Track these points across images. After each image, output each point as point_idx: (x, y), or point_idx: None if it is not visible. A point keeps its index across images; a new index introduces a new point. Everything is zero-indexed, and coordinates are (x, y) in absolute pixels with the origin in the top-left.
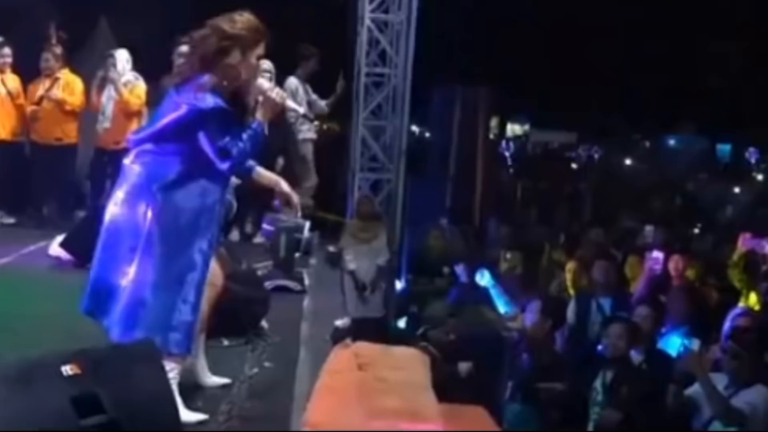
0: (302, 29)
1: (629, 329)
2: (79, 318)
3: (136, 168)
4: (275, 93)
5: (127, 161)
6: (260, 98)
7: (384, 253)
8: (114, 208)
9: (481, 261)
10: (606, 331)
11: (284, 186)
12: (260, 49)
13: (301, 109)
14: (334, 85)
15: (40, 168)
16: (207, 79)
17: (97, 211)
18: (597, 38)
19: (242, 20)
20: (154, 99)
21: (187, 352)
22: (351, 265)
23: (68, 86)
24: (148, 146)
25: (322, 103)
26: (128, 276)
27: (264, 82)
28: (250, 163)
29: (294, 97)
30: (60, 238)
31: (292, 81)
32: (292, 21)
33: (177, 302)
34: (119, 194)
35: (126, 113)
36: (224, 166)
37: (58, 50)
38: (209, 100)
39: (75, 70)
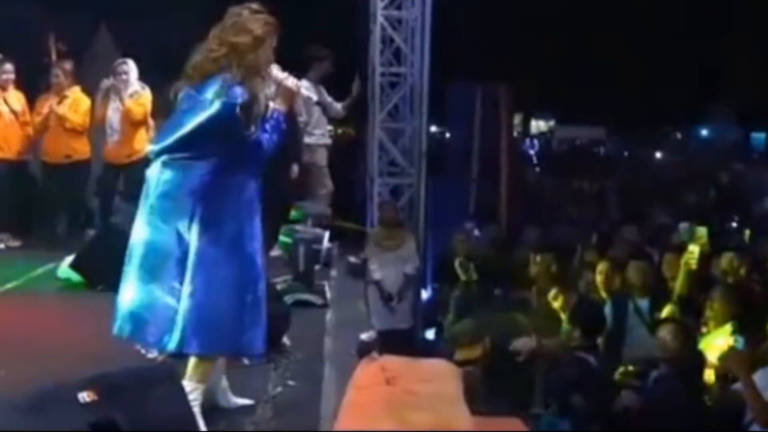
0: (310, 29)
1: (681, 329)
2: (93, 341)
3: (167, 177)
4: (290, 81)
5: (152, 172)
6: (272, 88)
7: (412, 260)
8: (145, 226)
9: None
10: (656, 332)
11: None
12: (274, 41)
13: (315, 97)
14: (349, 87)
15: (51, 188)
16: (233, 74)
17: (108, 229)
18: (621, 29)
19: (263, 16)
20: (160, 106)
21: (264, 352)
22: (376, 275)
23: (74, 104)
24: (177, 153)
25: (338, 106)
26: (183, 291)
27: (278, 71)
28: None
29: (307, 102)
30: (69, 259)
31: (303, 84)
32: (299, 20)
33: (245, 303)
34: (148, 209)
35: (131, 124)
36: (258, 156)
37: (68, 66)
38: (241, 93)
39: (85, 89)
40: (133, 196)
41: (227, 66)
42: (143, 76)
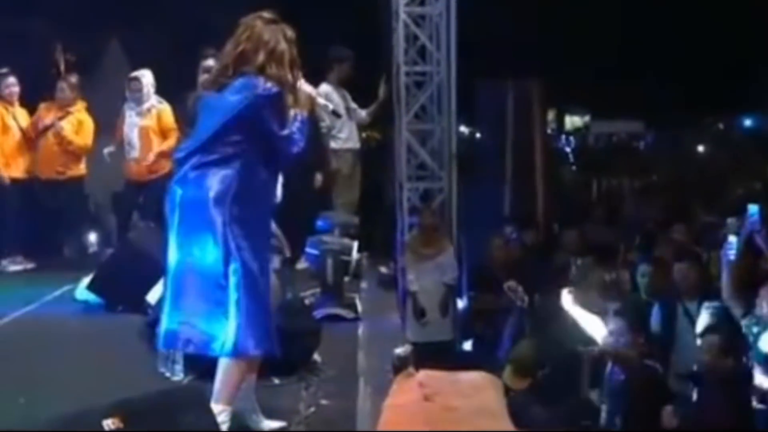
0: (331, 30)
1: (727, 340)
2: (116, 365)
3: (195, 183)
4: (307, 87)
5: (178, 180)
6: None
7: (452, 269)
8: (177, 236)
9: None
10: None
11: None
12: (294, 49)
13: (330, 105)
14: (375, 91)
15: (48, 205)
16: (261, 78)
17: (125, 247)
18: (655, 15)
19: (278, 26)
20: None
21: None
22: (413, 287)
23: (78, 125)
24: (204, 156)
25: (362, 114)
26: (229, 297)
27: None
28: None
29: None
30: (86, 280)
31: (324, 88)
32: (319, 21)
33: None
34: (177, 218)
35: (149, 139)
36: (287, 154)
37: (74, 79)
38: (270, 87)
39: (90, 106)
40: (152, 213)
41: (258, 72)
42: (158, 89)
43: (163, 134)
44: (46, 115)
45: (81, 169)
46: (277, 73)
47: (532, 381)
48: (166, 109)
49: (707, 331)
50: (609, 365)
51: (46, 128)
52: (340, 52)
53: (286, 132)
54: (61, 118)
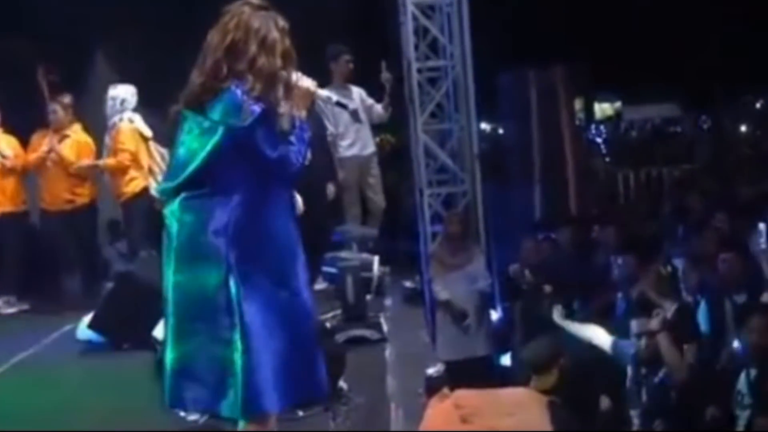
0: (331, 29)
1: None
2: (126, 407)
3: (189, 219)
4: (305, 81)
5: (172, 213)
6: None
7: (484, 276)
8: (175, 275)
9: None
10: (746, 324)
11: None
12: (287, 40)
13: (334, 97)
14: (381, 83)
15: (53, 239)
16: (245, 86)
17: (125, 280)
18: None
19: (268, 13)
20: (164, 131)
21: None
22: (443, 295)
23: (78, 146)
24: (194, 189)
25: (378, 108)
26: (234, 348)
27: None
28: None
29: (326, 113)
30: (87, 318)
31: (324, 92)
32: (318, 20)
33: (302, 344)
34: (174, 255)
35: (113, 158)
36: (288, 174)
37: (67, 99)
38: (254, 109)
39: (85, 126)
40: (147, 237)
41: (236, 77)
42: (144, 102)
43: (126, 150)
44: (41, 143)
45: (91, 194)
46: (268, 66)
47: (557, 377)
48: (123, 127)
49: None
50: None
51: (46, 154)
52: (333, 50)
53: (277, 153)
54: (59, 142)
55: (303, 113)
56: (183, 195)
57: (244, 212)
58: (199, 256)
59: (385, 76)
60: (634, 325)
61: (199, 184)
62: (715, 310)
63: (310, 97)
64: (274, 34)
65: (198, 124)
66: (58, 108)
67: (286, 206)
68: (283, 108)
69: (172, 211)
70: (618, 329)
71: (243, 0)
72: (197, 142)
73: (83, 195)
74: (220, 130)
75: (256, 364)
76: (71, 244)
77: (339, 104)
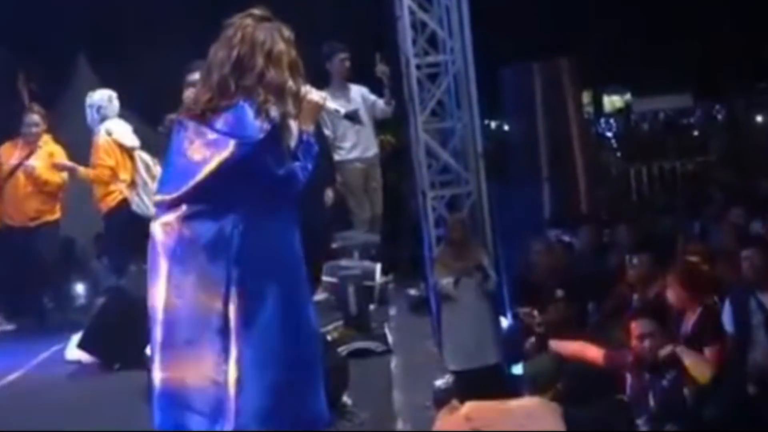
0: (326, 24)
1: None
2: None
3: (189, 234)
4: (314, 94)
5: (167, 227)
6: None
7: (490, 281)
8: (170, 293)
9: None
10: None
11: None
12: (293, 52)
13: (342, 110)
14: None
15: (19, 256)
16: (252, 100)
17: (116, 297)
18: None
19: (273, 24)
20: (152, 141)
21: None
22: (449, 301)
23: (50, 159)
24: (195, 204)
25: (381, 104)
26: (230, 371)
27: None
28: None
29: (323, 116)
30: (76, 337)
31: (324, 94)
32: (311, 16)
33: (305, 368)
34: (167, 272)
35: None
36: (295, 191)
37: (40, 109)
38: (262, 126)
39: (55, 130)
40: (132, 250)
41: (244, 92)
42: (129, 108)
43: (104, 161)
44: (11, 154)
45: (56, 211)
46: (276, 80)
47: (553, 393)
48: (101, 137)
49: None
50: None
51: (13, 170)
52: (327, 49)
53: (284, 171)
54: (28, 156)
55: (311, 127)
56: (183, 208)
57: (246, 231)
58: (198, 276)
59: (381, 68)
60: (635, 326)
61: (201, 198)
62: (740, 309)
63: (319, 110)
64: (281, 46)
65: (200, 134)
66: (36, 118)
67: (291, 223)
68: (292, 122)
69: (166, 222)
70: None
71: (245, 12)
72: (199, 154)
73: (50, 212)
74: (231, 144)
75: (252, 392)
76: (32, 261)
77: (347, 117)
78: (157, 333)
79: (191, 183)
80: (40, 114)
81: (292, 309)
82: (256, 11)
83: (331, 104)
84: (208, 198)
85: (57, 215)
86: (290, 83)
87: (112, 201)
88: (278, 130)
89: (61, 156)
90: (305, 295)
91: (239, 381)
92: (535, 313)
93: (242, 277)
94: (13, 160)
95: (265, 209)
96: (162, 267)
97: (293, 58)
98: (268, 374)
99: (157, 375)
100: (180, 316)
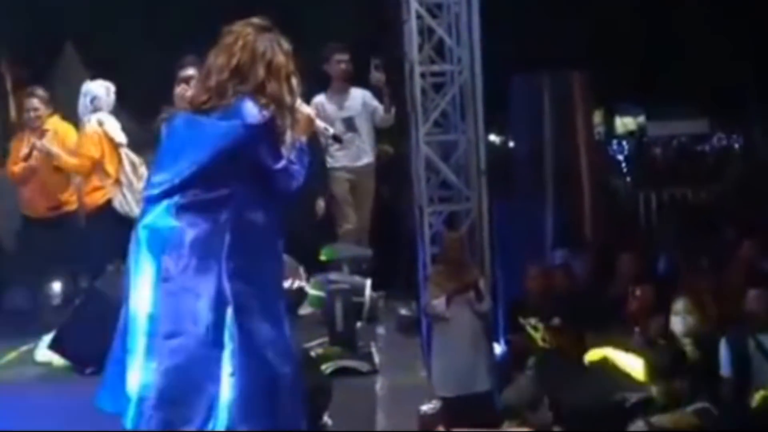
0: (331, 32)
1: None
2: None
3: (179, 225)
4: (305, 108)
5: (155, 220)
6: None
7: (485, 301)
8: (157, 287)
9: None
10: None
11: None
12: (291, 65)
13: (331, 130)
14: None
15: (34, 247)
16: (251, 101)
17: (91, 298)
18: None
19: (273, 35)
20: (139, 141)
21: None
22: (441, 323)
23: (58, 137)
24: (188, 193)
25: (380, 111)
26: (224, 368)
27: None
28: None
29: (327, 117)
30: (48, 338)
31: (317, 99)
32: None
33: (289, 371)
34: (156, 266)
35: (74, 169)
36: (287, 190)
37: (42, 92)
38: (263, 112)
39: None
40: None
41: (241, 96)
42: (119, 99)
43: (92, 155)
44: (20, 146)
45: (74, 202)
46: (275, 92)
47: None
48: (90, 129)
49: None
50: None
51: (27, 156)
52: (325, 50)
53: (281, 164)
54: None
55: (303, 138)
56: (176, 199)
57: (241, 225)
58: (191, 267)
59: (375, 76)
60: None
61: (195, 187)
62: (738, 349)
63: (311, 124)
64: (280, 58)
65: (196, 125)
66: (36, 102)
67: (276, 234)
68: (287, 135)
69: (150, 223)
70: None
71: (246, 20)
72: (195, 143)
73: (69, 202)
74: (228, 127)
75: (246, 386)
76: (51, 256)
77: (334, 138)
78: (141, 329)
79: (185, 174)
80: (40, 98)
81: (276, 308)
82: (257, 20)
83: (320, 123)
84: (201, 188)
85: (75, 207)
86: (287, 96)
87: (100, 198)
88: (276, 128)
89: (71, 134)
90: (282, 307)
91: (235, 374)
92: (540, 325)
93: (235, 272)
94: (25, 149)
95: (256, 205)
96: (147, 266)
97: (291, 70)
98: (262, 370)
99: (141, 375)
100: (170, 310)
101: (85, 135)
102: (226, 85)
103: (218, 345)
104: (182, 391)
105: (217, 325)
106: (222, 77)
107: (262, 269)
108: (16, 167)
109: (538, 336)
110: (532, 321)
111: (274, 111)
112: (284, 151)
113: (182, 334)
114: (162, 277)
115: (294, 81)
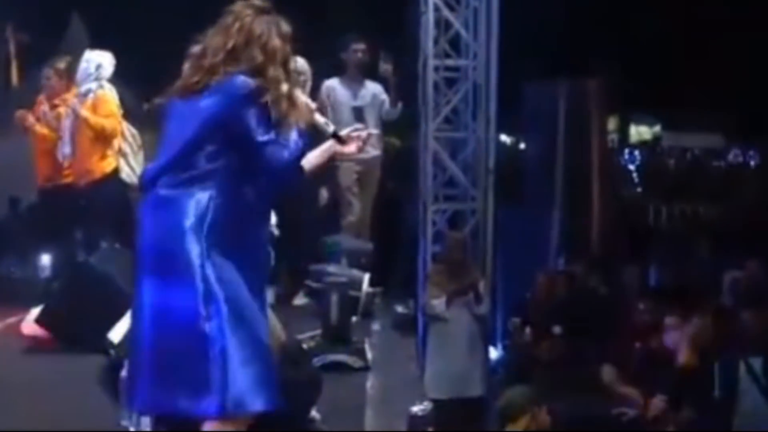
0: (347, 18)
1: None
2: (68, 416)
3: (167, 207)
4: (302, 97)
5: (147, 204)
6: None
7: (484, 304)
8: (148, 271)
9: None
10: None
11: (338, 147)
12: (289, 49)
13: (332, 127)
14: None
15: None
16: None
17: (82, 273)
18: (743, 8)
19: (273, 18)
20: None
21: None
22: (438, 323)
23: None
24: (176, 173)
25: (387, 105)
26: (215, 345)
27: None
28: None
29: (336, 106)
30: (36, 311)
31: (328, 82)
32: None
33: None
34: (147, 249)
35: (86, 134)
36: (274, 167)
37: (63, 65)
38: (249, 84)
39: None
40: (96, 226)
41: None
42: (124, 74)
43: (101, 127)
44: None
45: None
46: (270, 75)
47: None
48: (103, 95)
49: None
50: None
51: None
52: (343, 39)
53: (266, 138)
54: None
55: (302, 124)
56: (158, 186)
57: (219, 206)
58: (175, 256)
59: (384, 67)
60: None
61: (181, 169)
62: (728, 370)
63: (310, 114)
64: (276, 42)
65: (184, 108)
66: (52, 73)
67: (262, 217)
68: (287, 122)
69: (146, 204)
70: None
71: (246, 2)
72: (181, 129)
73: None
74: (214, 103)
75: (235, 362)
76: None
77: (335, 136)
78: (140, 314)
79: (174, 151)
80: (57, 69)
81: (258, 285)
82: (258, 1)
83: (319, 117)
84: (187, 165)
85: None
86: (283, 79)
87: (106, 167)
88: (261, 96)
89: (108, 102)
90: (263, 293)
91: (223, 351)
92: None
93: (217, 248)
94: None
95: (242, 177)
96: (141, 245)
97: (287, 54)
98: (254, 344)
99: (134, 356)
100: (156, 291)
101: (106, 100)
102: (219, 68)
103: (208, 320)
104: (180, 372)
105: (205, 300)
106: (216, 59)
107: (246, 246)
108: (28, 121)
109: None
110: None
111: (261, 83)
112: (282, 136)
113: (174, 314)
114: (154, 261)
115: (291, 65)
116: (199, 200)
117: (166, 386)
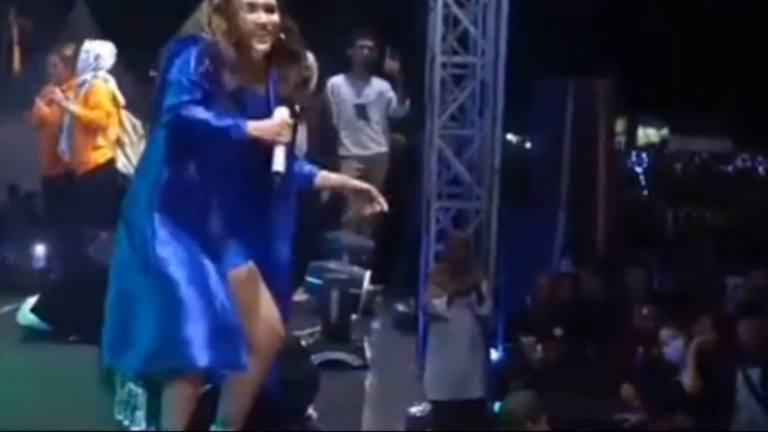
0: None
1: None
2: (62, 408)
3: (132, 191)
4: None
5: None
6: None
7: (486, 304)
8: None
9: None
10: None
11: (353, 182)
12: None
13: (281, 169)
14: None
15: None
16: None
17: (82, 264)
18: (753, 10)
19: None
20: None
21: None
22: (439, 322)
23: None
24: (144, 157)
25: (394, 103)
26: (148, 315)
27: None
28: (308, 167)
29: (340, 101)
30: (32, 300)
31: (334, 79)
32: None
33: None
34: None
35: (81, 124)
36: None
37: (69, 52)
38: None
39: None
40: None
41: None
42: (127, 62)
43: (95, 118)
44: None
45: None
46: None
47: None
48: (97, 85)
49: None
50: None
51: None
52: (350, 35)
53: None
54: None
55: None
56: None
57: (165, 179)
58: (133, 234)
59: (389, 64)
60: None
61: (149, 149)
62: (725, 381)
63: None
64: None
65: None
66: (58, 60)
67: (234, 187)
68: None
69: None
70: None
71: None
72: None
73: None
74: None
75: (163, 326)
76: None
77: (276, 174)
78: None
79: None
80: (64, 56)
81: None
82: None
83: (280, 154)
84: (148, 140)
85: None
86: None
87: (99, 158)
88: (218, 68)
89: (99, 92)
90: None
91: (166, 307)
92: (539, 347)
93: (162, 222)
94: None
95: (188, 148)
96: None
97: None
98: (188, 310)
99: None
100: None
101: (98, 90)
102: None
103: (149, 291)
104: (132, 331)
105: (145, 271)
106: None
107: (194, 222)
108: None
109: (534, 356)
110: (530, 339)
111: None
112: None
113: (129, 287)
114: (120, 243)
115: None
116: (146, 170)
117: (122, 346)
